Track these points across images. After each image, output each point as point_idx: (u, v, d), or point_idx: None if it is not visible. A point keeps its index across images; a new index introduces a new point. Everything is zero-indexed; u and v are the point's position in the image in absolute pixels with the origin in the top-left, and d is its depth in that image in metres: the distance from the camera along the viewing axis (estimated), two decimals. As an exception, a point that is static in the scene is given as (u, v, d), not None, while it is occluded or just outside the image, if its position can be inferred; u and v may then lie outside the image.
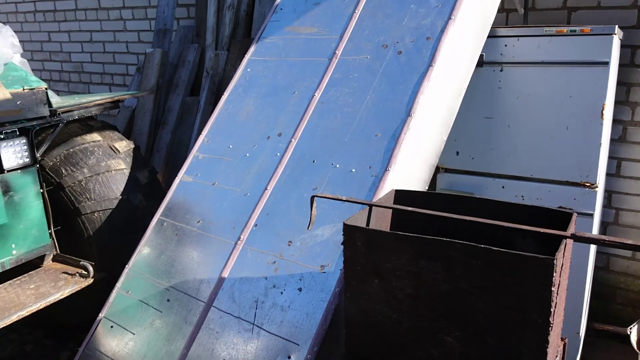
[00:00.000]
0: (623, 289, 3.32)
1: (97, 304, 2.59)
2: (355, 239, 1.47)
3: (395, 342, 1.46)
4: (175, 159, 4.22)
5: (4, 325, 2.39)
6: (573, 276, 2.46)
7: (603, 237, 1.26)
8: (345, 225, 1.49)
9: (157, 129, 4.36)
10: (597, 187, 2.43)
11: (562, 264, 1.29)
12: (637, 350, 2.67)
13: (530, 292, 1.23)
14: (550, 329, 1.23)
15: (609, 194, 3.20)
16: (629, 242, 1.24)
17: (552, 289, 1.20)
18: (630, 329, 2.77)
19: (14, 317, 2.41)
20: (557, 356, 1.53)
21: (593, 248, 2.57)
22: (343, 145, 2.27)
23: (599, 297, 3.35)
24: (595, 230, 2.59)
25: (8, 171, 2.62)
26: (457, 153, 2.77)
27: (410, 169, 2.17)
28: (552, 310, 1.22)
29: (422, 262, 1.37)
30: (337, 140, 2.30)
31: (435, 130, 2.28)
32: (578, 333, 2.58)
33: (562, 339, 1.61)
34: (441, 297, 1.36)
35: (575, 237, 1.29)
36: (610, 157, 2.98)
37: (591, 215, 2.48)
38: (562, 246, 1.26)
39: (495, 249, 1.25)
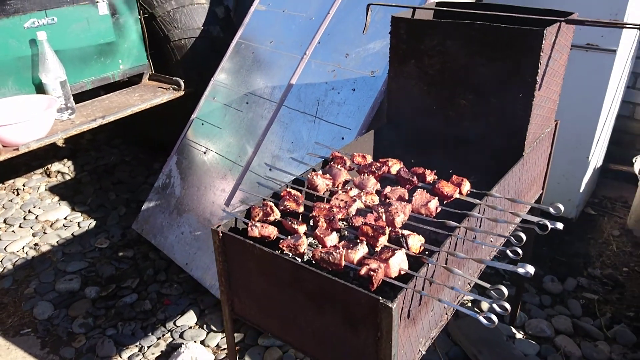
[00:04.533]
0: (643, 136, 3.67)
1: (182, 125, 3.22)
2: (399, 28, 1.93)
3: (423, 109, 1.97)
4: (242, 5, 4.62)
5: (122, 117, 3.06)
6: (591, 97, 2.84)
7: (594, 19, 1.65)
8: (392, 17, 1.94)
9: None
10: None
11: (555, 42, 1.71)
12: (639, 176, 3.11)
13: (525, 58, 1.67)
14: (536, 86, 1.69)
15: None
16: (622, 22, 1.64)
17: (541, 54, 1.63)
18: (636, 158, 3.19)
19: (128, 111, 3.08)
20: (548, 128, 2.01)
21: (614, 80, 2.90)
22: (397, -26, 2.63)
23: (619, 143, 3.73)
24: (617, 69, 2.90)
25: (115, -5, 3.15)
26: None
27: (453, -5, 2.53)
28: (539, 71, 1.66)
29: (448, 42, 1.82)
30: (392, -30, 2.66)
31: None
32: (587, 157, 3.01)
33: (556, 120, 2.08)
34: (460, 69, 1.82)
35: (568, 21, 1.70)
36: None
37: (614, 51, 2.78)
38: (556, 25, 1.67)
39: (503, 25, 1.68)
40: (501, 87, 1.77)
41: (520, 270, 1.17)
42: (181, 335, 2.53)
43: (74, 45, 3.01)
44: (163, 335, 2.55)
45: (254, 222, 1.45)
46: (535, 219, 1.39)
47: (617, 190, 3.61)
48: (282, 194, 1.58)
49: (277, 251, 1.34)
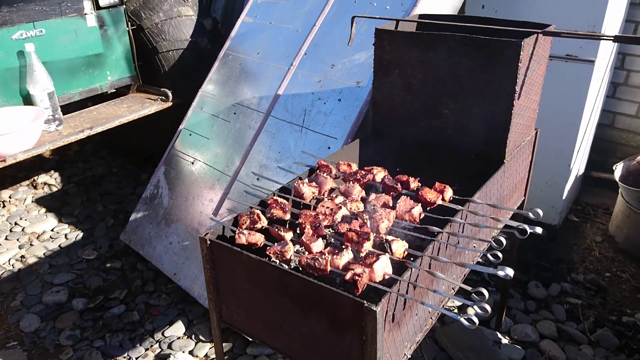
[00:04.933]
0: (623, 144, 3.76)
1: (169, 136, 3.24)
2: (383, 40, 1.97)
3: (407, 118, 2.02)
4: (230, 18, 4.67)
5: (110, 128, 3.07)
6: (571, 106, 2.92)
7: (568, 30, 1.72)
8: (376, 29, 1.99)
9: (214, -10, 4.77)
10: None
11: (533, 53, 1.77)
12: (619, 183, 3.18)
13: (504, 69, 1.72)
14: (515, 95, 1.74)
15: (622, 56, 3.53)
16: (593, 33, 1.69)
17: (519, 64, 1.69)
18: (616, 166, 3.27)
19: (116, 122, 3.09)
20: (529, 136, 2.06)
21: (593, 90, 2.98)
22: (381, -13, 2.70)
23: (600, 151, 3.81)
24: (596, 79, 2.98)
25: (102, 8, 3.17)
26: (483, 7, 3.13)
27: (436, 7, 2.60)
28: (517, 81, 1.72)
29: (430, 53, 1.87)
30: (376, -17, 2.72)
31: (461, -24, 2.66)
32: (569, 165, 3.08)
33: (536, 129, 2.14)
34: (442, 79, 1.87)
35: (545, 32, 1.76)
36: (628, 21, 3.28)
37: (593, 61, 2.86)
38: (534, 37, 1.73)
39: (482, 37, 1.73)
40: (482, 97, 1.82)
41: (500, 273, 1.21)
42: (169, 346, 2.53)
43: (62, 57, 3.02)
44: (151, 346, 2.55)
45: (241, 230, 1.47)
46: (515, 223, 1.43)
47: (599, 197, 3.68)
48: (269, 202, 1.60)
49: (264, 258, 1.36)
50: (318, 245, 1.41)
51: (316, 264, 1.31)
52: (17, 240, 3.37)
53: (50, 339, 2.60)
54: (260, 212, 1.54)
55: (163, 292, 2.88)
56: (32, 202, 3.82)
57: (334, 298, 1.22)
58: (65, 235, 3.42)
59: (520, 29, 1.80)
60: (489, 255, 1.33)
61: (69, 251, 3.25)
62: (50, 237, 3.41)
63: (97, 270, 3.08)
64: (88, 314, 2.75)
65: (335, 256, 1.33)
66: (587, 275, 2.95)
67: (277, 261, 1.42)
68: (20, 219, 3.59)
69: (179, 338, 2.58)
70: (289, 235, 1.47)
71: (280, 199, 1.60)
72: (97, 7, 3.14)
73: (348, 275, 1.26)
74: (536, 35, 1.75)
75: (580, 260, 3.07)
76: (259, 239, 1.46)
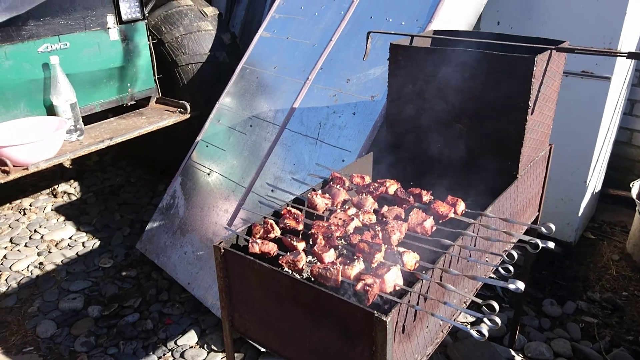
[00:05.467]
0: (641, 162, 3.72)
1: (186, 148, 3.30)
2: (397, 55, 2.00)
3: (420, 132, 2.03)
4: (248, 33, 4.76)
5: (128, 139, 3.14)
6: (587, 123, 2.91)
7: (582, 47, 1.72)
8: (391, 44, 2.02)
9: (233, 5, 4.88)
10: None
11: (546, 69, 1.78)
12: (637, 201, 3.15)
13: (518, 84, 1.73)
14: (529, 110, 1.75)
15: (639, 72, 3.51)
16: (609, 49, 1.71)
17: (532, 80, 1.70)
18: (634, 183, 3.23)
19: (135, 133, 3.15)
20: (543, 152, 2.06)
21: (610, 107, 2.97)
22: (396, 3, 2.74)
23: (618, 168, 3.78)
24: (612, 96, 2.97)
25: (124, 22, 3.26)
26: (498, 23, 3.15)
27: (451, 24, 2.62)
28: (530, 97, 1.73)
29: (444, 68, 1.89)
30: (392, 0, 2.76)
31: (476, -7, 2.69)
32: (585, 182, 3.06)
33: (550, 144, 2.14)
34: (456, 94, 1.89)
35: (559, 49, 1.77)
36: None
37: (609, 78, 2.85)
38: (547, 53, 1.75)
39: (495, 52, 1.75)
40: (495, 112, 1.83)
41: (511, 286, 1.21)
42: (182, 355, 2.55)
43: (85, 69, 3.11)
44: (164, 354, 2.57)
45: (254, 239, 1.50)
46: (527, 237, 1.43)
47: (616, 214, 3.64)
48: (282, 212, 1.63)
49: (276, 267, 1.38)
50: (330, 256, 1.43)
51: (328, 274, 1.33)
52: (36, 247, 3.44)
53: (66, 345, 2.64)
54: (273, 222, 1.56)
55: (177, 301, 2.90)
56: (52, 210, 3.90)
57: (344, 308, 1.23)
58: (83, 243, 3.48)
59: (534, 45, 1.81)
60: (500, 269, 1.33)
61: (86, 259, 3.31)
62: (68, 245, 3.47)
63: (112, 278, 3.12)
64: (103, 321, 2.79)
65: (346, 266, 1.34)
66: (604, 294, 2.90)
67: (290, 271, 1.43)
68: (40, 226, 3.67)
69: (191, 347, 2.60)
70: (301, 245, 1.49)
71: (293, 210, 1.63)
72: (120, 21, 3.23)
73: (359, 286, 1.27)
74: (550, 51, 1.77)
75: (597, 279, 3.03)
76: (271, 248, 1.48)
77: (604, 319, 2.74)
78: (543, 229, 1.47)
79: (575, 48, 1.75)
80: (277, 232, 1.55)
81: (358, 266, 1.35)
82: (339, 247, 1.55)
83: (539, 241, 1.38)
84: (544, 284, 2.98)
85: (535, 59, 1.68)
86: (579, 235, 3.35)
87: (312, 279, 1.38)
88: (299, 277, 1.37)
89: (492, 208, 1.62)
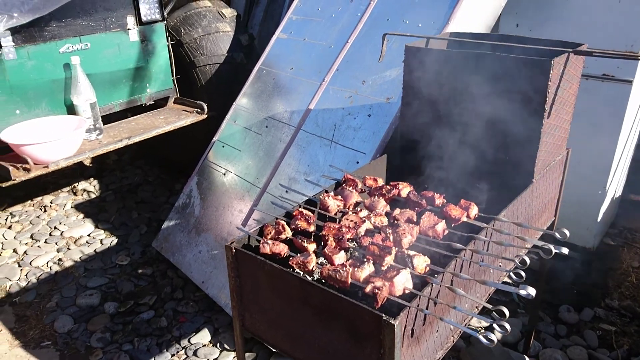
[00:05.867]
0: (665, 167, 3.63)
1: (203, 148, 3.33)
2: (412, 57, 2.00)
3: (434, 134, 2.02)
4: (266, 34, 4.79)
5: (146, 138, 3.18)
6: (607, 127, 2.86)
7: (600, 50, 1.70)
8: (406, 46, 2.01)
9: (252, 7, 4.91)
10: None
11: (563, 72, 1.76)
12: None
13: (533, 87, 1.71)
14: (545, 114, 1.72)
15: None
16: (630, 52, 1.67)
17: (549, 83, 1.68)
18: (655, 189, 3.16)
19: (153, 133, 3.20)
20: (559, 156, 2.03)
21: (632, 111, 2.90)
22: (413, 5, 2.72)
23: (639, 174, 3.69)
24: (634, 99, 2.91)
25: (144, 23, 3.31)
26: (517, 25, 3.11)
27: (469, 26, 2.60)
28: (547, 100, 1.70)
29: (459, 71, 1.88)
30: (409, 1, 2.75)
31: (494, -5, 2.67)
32: (605, 186, 3.00)
33: (568, 148, 2.10)
34: (471, 97, 1.87)
35: (577, 51, 1.74)
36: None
37: (631, 82, 2.80)
38: (564, 56, 1.72)
39: (511, 55, 1.73)
40: (511, 115, 1.81)
41: (522, 292, 1.20)
42: (195, 353, 2.57)
43: (105, 70, 3.16)
44: (177, 352, 2.60)
45: (265, 240, 1.50)
46: (540, 243, 1.41)
47: (637, 220, 3.56)
48: (294, 213, 1.63)
49: (287, 268, 1.38)
50: (340, 258, 1.43)
51: (337, 275, 1.33)
52: (56, 244, 3.51)
53: (82, 341, 2.68)
54: (285, 223, 1.57)
55: (191, 299, 2.93)
56: (72, 207, 3.97)
57: (353, 310, 1.23)
58: (101, 240, 3.54)
59: (552, 48, 1.79)
60: (511, 274, 1.32)
61: (104, 256, 3.36)
62: (87, 242, 3.53)
63: (129, 275, 3.17)
64: (119, 317, 2.83)
65: (356, 269, 1.34)
66: (623, 302, 2.85)
67: (300, 272, 1.44)
68: (60, 223, 3.74)
69: (204, 345, 2.62)
70: (312, 247, 1.49)
71: (305, 211, 1.63)
72: (140, 22, 3.28)
73: (368, 288, 1.27)
74: (567, 54, 1.74)
75: (616, 286, 2.97)
76: (282, 249, 1.49)
77: (623, 327, 2.68)
78: (557, 235, 1.45)
79: (594, 51, 1.72)
80: (288, 233, 1.55)
81: (368, 269, 1.35)
82: (350, 249, 1.55)
83: (552, 247, 1.36)
84: (561, 289, 2.94)
85: (552, 62, 1.65)
86: (599, 241, 3.29)
87: (322, 281, 1.38)
88: (309, 278, 1.37)
89: (506, 212, 1.60)
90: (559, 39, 1.93)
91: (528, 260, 1.35)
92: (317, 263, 1.47)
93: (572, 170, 2.89)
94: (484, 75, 1.82)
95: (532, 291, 1.19)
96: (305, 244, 1.48)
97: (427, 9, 2.65)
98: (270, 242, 1.49)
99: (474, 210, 1.62)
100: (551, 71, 1.67)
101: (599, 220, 3.08)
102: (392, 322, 1.15)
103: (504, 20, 3.08)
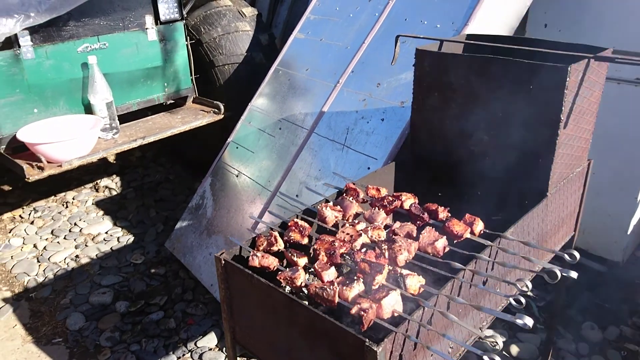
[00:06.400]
0: None
1: (221, 148, 3.30)
2: (423, 60, 1.90)
3: (445, 142, 1.92)
4: (289, 33, 4.73)
5: (163, 137, 3.18)
6: (638, 133, 2.69)
7: (623, 55, 1.56)
8: (417, 49, 1.92)
9: (277, 6, 4.87)
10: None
11: (583, 79, 1.63)
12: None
13: (549, 95, 1.59)
14: (561, 124, 1.60)
15: None
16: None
17: (566, 91, 1.56)
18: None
19: (168, 133, 3.19)
20: (579, 168, 1.90)
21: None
22: (432, 5, 2.62)
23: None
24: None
25: (163, 23, 3.30)
26: (545, 25, 2.96)
27: (490, 27, 2.48)
28: (563, 109, 1.58)
29: (471, 76, 1.77)
30: (428, 1, 2.64)
31: (519, -6, 2.53)
32: (636, 197, 2.82)
33: (589, 160, 1.97)
34: (483, 103, 1.77)
35: (597, 57, 1.61)
36: None
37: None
38: (583, 62, 1.60)
39: (525, 61, 1.62)
40: (525, 124, 1.70)
41: (519, 322, 1.10)
42: (200, 357, 2.55)
43: (123, 69, 3.17)
44: (183, 355, 2.58)
45: (255, 252, 1.45)
46: (547, 265, 1.31)
47: (673, 234, 3.34)
48: (289, 224, 1.57)
49: (276, 283, 1.33)
50: (330, 274, 1.36)
51: (324, 294, 1.26)
52: (74, 240, 3.56)
53: (92, 339, 2.70)
54: (277, 235, 1.51)
55: (200, 302, 2.92)
56: (92, 204, 4.02)
57: (337, 332, 1.16)
58: (118, 238, 3.57)
59: (572, 53, 1.66)
60: (511, 299, 1.22)
61: (119, 254, 3.39)
62: (104, 239, 3.57)
63: (142, 275, 3.18)
64: (129, 317, 2.84)
65: (345, 287, 1.27)
66: (652, 321, 2.67)
67: (288, 287, 1.38)
68: (80, 220, 3.79)
69: (210, 349, 2.60)
70: (302, 261, 1.43)
71: (301, 222, 1.57)
72: (159, 22, 3.28)
73: (354, 310, 1.20)
74: (587, 60, 1.61)
75: (645, 303, 2.80)
76: (272, 262, 1.43)
77: (650, 348, 2.52)
78: (566, 257, 1.34)
79: (616, 57, 1.59)
80: (280, 245, 1.50)
81: (357, 287, 1.28)
82: (343, 264, 1.48)
83: (557, 270, 1.25)
84: (584, 305, 2.78)
85: (569, 68, 1.53)
86: (628, 255, 3.10)
87: (310, 298, 1.32)
88: (294, 295, 1.31)
89: (514, 229, 1.50)
90: (588, 42, 1.78)
91: (530, 285, 1.24)
92: (306, 278, 1.41)
93: (600, 180, 2.73)
94: (496, 81, 1.71)
95: (529, 322, 1.09)
96: (295, 258, 1.42)
97: (446, 9, 2.54)
98: (259, 254, 1.44)
99: (479, 226, 1.53)
100: (568, 78, 1.55)
101: (629, 232, 2.91)
102: (375, 349, 1.07)
103: (532, 20, 2.93)
